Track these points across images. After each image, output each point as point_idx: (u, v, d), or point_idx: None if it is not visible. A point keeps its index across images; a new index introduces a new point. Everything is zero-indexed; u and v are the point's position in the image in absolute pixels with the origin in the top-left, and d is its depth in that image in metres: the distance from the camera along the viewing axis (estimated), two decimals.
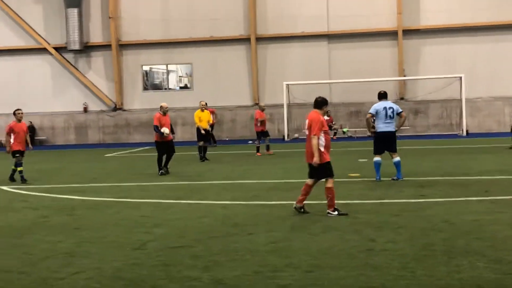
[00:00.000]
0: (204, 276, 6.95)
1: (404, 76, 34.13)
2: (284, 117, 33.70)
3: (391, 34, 34.48)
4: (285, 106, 33.45)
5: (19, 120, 17.38)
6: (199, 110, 22.87)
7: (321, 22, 34.90)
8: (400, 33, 34.04)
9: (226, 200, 12.70)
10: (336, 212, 10.21)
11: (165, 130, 17.99)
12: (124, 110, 37.00)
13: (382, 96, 15.09)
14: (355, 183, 14.60)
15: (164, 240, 8.91)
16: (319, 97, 10.74)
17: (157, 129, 18.14)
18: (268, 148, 24.03)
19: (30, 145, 17.89)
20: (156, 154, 18.49)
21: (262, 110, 24.13)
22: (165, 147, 18.31)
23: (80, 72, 37.18)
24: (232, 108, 35.66)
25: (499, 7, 33.30)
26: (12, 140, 17.13)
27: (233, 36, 35.72)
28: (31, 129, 33.70)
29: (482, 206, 10.81)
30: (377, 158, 14.88)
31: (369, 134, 15.45)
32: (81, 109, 36.92)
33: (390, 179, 14.73)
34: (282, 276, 6.87)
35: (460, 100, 32.37)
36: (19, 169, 17.21)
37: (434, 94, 33.51)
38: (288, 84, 33.71)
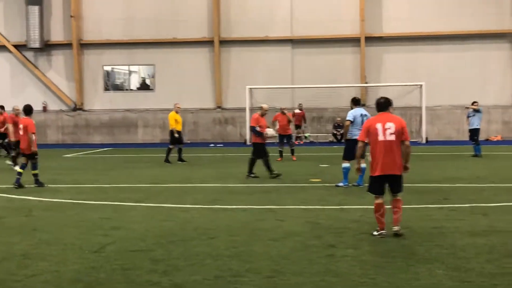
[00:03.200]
0: (163, 281, 6.86)
1: (366, 82, 34.40)
2: (246, 121, 33.64)
3: (353, 41, 34.72)
4: (247, 110, 33.38)
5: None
6: (174, 112, 22.63)
7: (285, 27, 34.99)
8: (362, 40, 34.31)
9: (187, 203, 12.58)
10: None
11: (269, 131, 17.30)
12: (84, 110, 36.51)
13: (357, 102, 15.26)
14: (316, 188, 14.64)
15: (123, 243, 8.78)
16: (384, 97, 9.36)
17: (254, 129, 17.13)
18: (292, 152, 22.89)
19: None
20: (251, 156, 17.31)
21: (283, 113, 23.42)
22: (263, 150, 17.14)
23: (40, 70, 36.57)
24: (194, 110, 35.46)
25: (460, 17, 33.80)
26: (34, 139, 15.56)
27: (196, 39, 35.54)
28: None
29: (442, 213, 10.91)
30: (347, 164, 14.92)
31: (343, 140, 15.46)
32: (40, 108, 36.29)
33: (351, 184, 14.80)
34: (242, 281, 6.82)
35: (421, 107, 32.76)
36: (34, 172, 15.64)
37: (394, 101, 33.28)
38: (251, 88, 33.67)
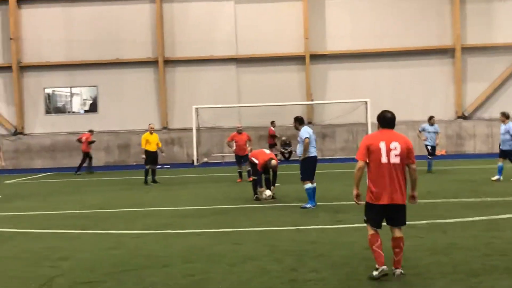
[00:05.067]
0: None
1: (312, 100, 34.42)
2: (193, 141, 33.21)
3: (298, 59, 34.72)
4: (194, 130, 32.96)
5: None
6: (148, 133, 22.38)
7: (230, 46, 34.76)
8: (307, 58, 34.34)
9: (137, 229, 12.07)
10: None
11: (267, 193, 16.03)
12: (25, 135, 35.41)
13: (303, 121, 14.94)
14: (270, 209, 14.30)
15: (71, 275, 8.26)
16: (389, 111, 7.96)
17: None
18: (248, 173, 19.78)
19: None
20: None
21: (239, 132, 22.14)
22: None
23: None
24: (140, 132, 34.56)
25: (402, 34, 34.15)
26: None
27: (140, 59, 34.94)
28: None
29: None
30: (309, 185, 14.31)
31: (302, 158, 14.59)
32: None
33: (302, 206, 14.40)
34: None
35: (366, 124, 32.93)
36: None
37: (340, 118, 33.92)
38: (197, 108, 33.28)
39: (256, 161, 16.08)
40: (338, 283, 7.34)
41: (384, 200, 7.54)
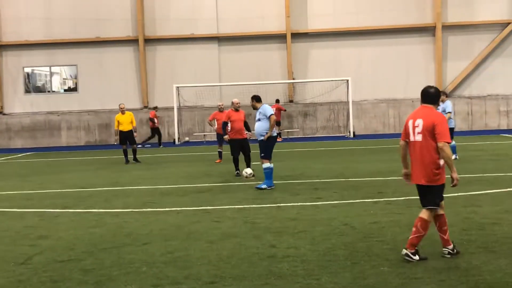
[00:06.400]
0: None
1: (293, 79, 34.41)
2: (174, 120, 33.15)
3: (280, 37, 34.65)
4: (175, 109, 32.90)
5: None
6: (120, 113, 22.23)
7: (211, 24, 34.57)
8: (288, 36, 34.27)
9: (117, 208, 12.05)
10: (417, 257, 7.11)
11: (248, 171, 16.08)
12: (4, 114, 35.11)
13: (261, 99, 14.89)
14: (250, 187, 14.30)
15: (51, 253, 8.24)
16: (432, 87, 7.54)
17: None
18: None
19: None
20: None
21: (220, 111, 21.79)
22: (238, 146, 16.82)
23: None
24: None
25: (383, 12, 34.21)
26: None
27: (120, 37, 34.68)
28: None
29: (379, 207, 10.80)
30: (269, 164, 13.99)
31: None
32: None
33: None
34: None
35: (347, 102, 33.03)
36: None
37: (322, 96, 34.00)
38: (178, 87, 33.17)
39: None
40: (316, 259, 7.38)
41: (412, 179, 7.36)
